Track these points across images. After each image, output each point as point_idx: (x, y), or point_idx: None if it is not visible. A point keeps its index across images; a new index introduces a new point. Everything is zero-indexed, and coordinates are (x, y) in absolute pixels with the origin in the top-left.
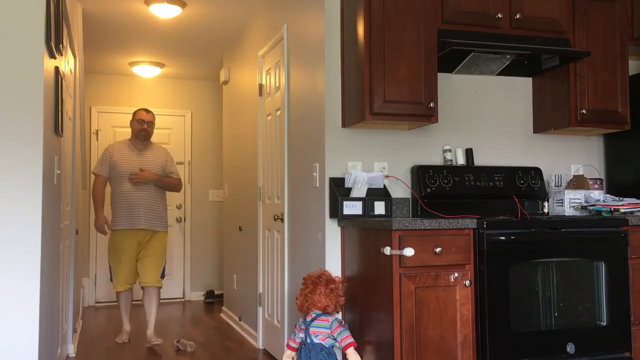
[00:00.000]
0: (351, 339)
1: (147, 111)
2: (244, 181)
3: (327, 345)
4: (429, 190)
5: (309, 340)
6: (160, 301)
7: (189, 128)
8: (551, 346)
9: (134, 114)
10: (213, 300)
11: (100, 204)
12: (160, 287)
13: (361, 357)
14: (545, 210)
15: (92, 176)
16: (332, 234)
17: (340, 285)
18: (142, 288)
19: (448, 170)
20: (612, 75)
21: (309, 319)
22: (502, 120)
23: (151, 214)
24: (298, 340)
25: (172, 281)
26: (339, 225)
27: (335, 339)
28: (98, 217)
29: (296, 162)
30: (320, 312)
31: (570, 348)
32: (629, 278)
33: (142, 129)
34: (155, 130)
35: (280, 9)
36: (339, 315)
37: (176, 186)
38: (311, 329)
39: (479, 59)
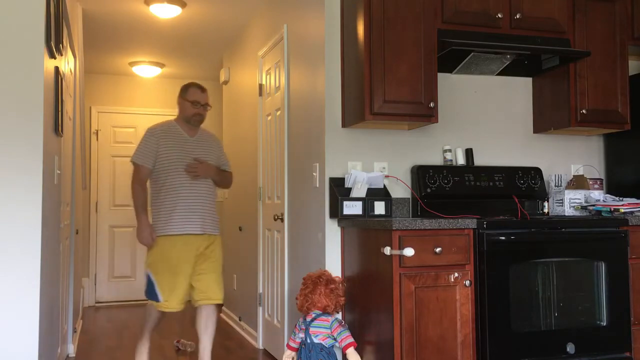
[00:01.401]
0: (351, 339)
1: (203, 89)
2: (244, 181)
3: (327, 345)
4: (429, 190)
5: (308, 341)
6: None
7: None
8: (551, 346)
9: (186, 91)
10: None
11: (143, 206)
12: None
13: (361, 357)
14: (545, 210)
15: (130, 167)
16: (332, 234)
17: (340, 285)
18: (197, 307)
19: (448, 170)
20: (612, 75)
21: (309, 319)
22: (502, 120)
23: (210, 215)
24: (298, 340)
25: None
26: (339, 225)
27: (335, 339)
28: (142, 223)
29: (296, 162)
30: (320, 312)
31: (570, 348)
32: (629, 278)
33: (197, 112)
34: None
35: (280, 9)
36: (339, 315)
37: (230, 182)
38: (311, 329)
39: (479, 59)
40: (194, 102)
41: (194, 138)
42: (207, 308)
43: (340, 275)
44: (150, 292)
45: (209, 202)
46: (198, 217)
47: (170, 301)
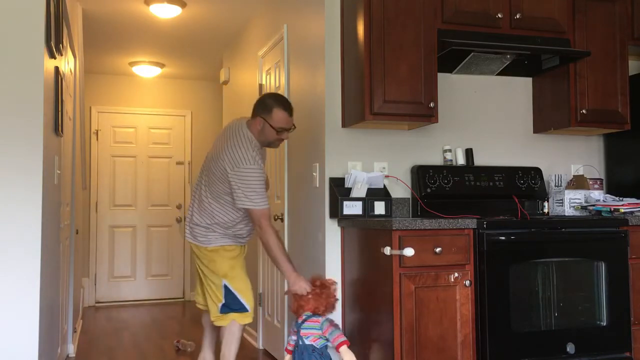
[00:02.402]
0: (343, 338)
1: (291, 111)
2: None
3: (318, 347)
4: (429, 190)
5: (300, 343)
6: (161, 301)
7: (189, 128)
8: (551, 346)
9: (270, 112)
10: None
11: (285, 251)
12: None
13: (361, 357)
14: (545, 210)
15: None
16: (332, 234)
17: (332, 286)
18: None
19: (448, 170)
20: (612, 75)
21: (299, 321)
22: (502, 120)
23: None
24: (292, 343)
25: (172, 281)
26: (339, 225)
27: (327, 340)
28: (292, 273)
29: (296, 162)
30: (311, 313)
31: (570, 348)
32: (629, 278)
33: (281, 139)
34: (155, 131)
35: (280, 9)
36: (331, 316)
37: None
38: (302, 331)
39: (479, 59)
40: (280, 129)
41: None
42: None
43: (340, 275)
44: (234, 303)
45: None
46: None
47: (252, 308)
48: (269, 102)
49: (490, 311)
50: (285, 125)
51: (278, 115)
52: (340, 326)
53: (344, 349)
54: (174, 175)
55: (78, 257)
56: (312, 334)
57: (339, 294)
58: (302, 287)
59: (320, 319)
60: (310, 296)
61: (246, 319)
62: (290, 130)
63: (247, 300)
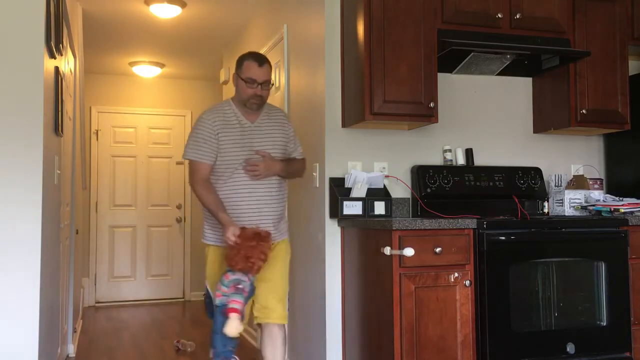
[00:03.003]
0: (236, 305)
1: (261, 61)
2: None
3: (218, 304)
4: (429, 190)
5: None
6: (161, 301)
7: (189, 128)
8: (551, 346)
9: (240, 65)
10: None
11: (220, 203)
12: (285, 325)
13: (361, 357)
14: (545, 210)
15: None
16: (332, 234)
17: (254, 243)
18: (259, 325)
19: (448, 170)
20: (612, 75)
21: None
22: (502, 120)
23: (275, 218)
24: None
25: (172, 281)
26: (339, 225)
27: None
28: (225, 222)
29: None
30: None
31: (570, 348)
32: (629, 278)
33: (254, 94)
34: (154, 131)
35: (280, 9)
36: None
37: (301, 171)
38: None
39: (479, 59)
40: (248, 80)
41: (254, 123)
42: (268, 327)
43: (340, 275)
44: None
45: (277, 203)
46: (262, 221)
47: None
48: (241, 57)
49: (490, 311)
50: (253, 76)
51: (246, 66)
52: (340, 327)
53: (233, 316)
54: (174, 175)
55: (78, 257)
56: (219, 289)
57: (337, 295)
58: (227, 235)
59: (232, 275)
60: (233, 247)
61: None
62: (265, 87)
63: None
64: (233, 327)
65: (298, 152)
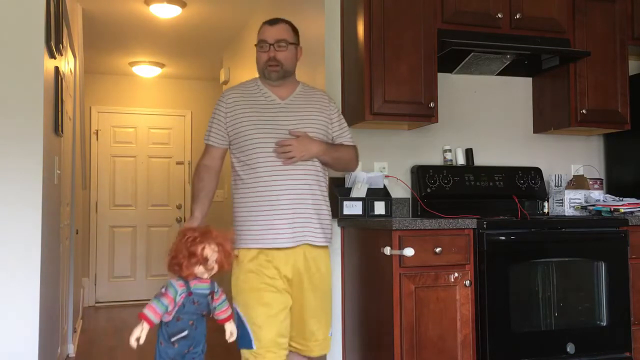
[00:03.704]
0: (144, 311)
1: (273, 21)
2: None
3: None
4: (429, 190)
5: None
6: None
7: (189, 128)
8: (551, 346)
9: (258, 31)
10: None
11: (202, 193)
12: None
13: (361, 357)
14: (545, 210)
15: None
16: (332, 234)
17: (184, 239)
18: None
19: (448, 170)
20: (612, 75)
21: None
22: (502, 120)
23: (311, 216)
24: None
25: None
26: (339, 225)
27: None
28: (191, 215)
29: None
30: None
31: (570, 348)
32: (629, 278)
33: (268, 58)
34: (155, 131)
35: (280, 9)
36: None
37: (353, 160)
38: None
39: (479, 59)
40: (259, 43)
41: (286, 101)
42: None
43: (340, 275)
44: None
45: (313, 197)
46: (290, 220)
47: (257, 349)
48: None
49: (490, 311)
50: (263, 37)
51: (259, 31)
52: (339, 329)
53: (141, 322)
54: (174, 175)
55: (78, 257)
56: None
57: (337, 295)
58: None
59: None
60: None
61: None
62: (280, 47)
63: None
64: (133, 336)
65: (346, 138)
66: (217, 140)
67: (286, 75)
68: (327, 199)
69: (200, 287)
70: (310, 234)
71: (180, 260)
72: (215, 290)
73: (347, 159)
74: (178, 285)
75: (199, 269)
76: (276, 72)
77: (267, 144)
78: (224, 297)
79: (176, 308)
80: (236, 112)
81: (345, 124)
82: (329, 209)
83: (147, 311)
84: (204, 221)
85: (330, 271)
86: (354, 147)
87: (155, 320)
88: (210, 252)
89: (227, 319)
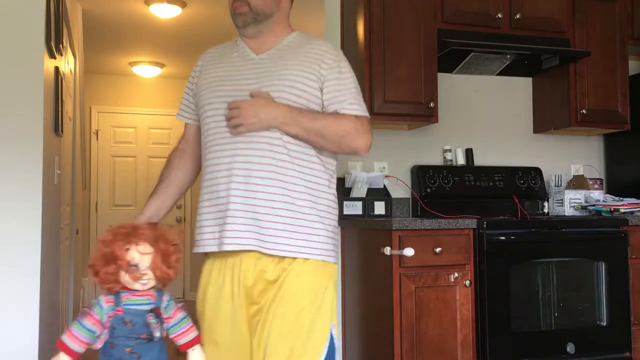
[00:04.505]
0: (64, 335)
1: None
2: None
3: None
4: (429, 190)
5: None
6: None
7: None
8: (551, 346)
9: None
10: None
11: (160, 183)
12: None
13: (361, 357)
14: (546, 210)
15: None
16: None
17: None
18: None
19: (448, 170)
20: (612, 75)
21: None
22: (502, 120)
23: (274, 210)
24: None
25: (171, 281)
26: (339, 225)
27: None
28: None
29: None
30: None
31: (570, 348)
32: (629, 278)
33: (234, 6)
34: (154, 131)
35: None
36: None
37: (349, 134)
38: None
39: (479, 59)
40: None
41: (262, 55)
42: None
43: (340, 275)
44: None
45: (277, 187)
46: (241, 213)
47: None
48: None
49: (490, 311)
50: None
51: None
52: (339, 332)
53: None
54: None
55: (78, 257)
56: None
57: (337, 296)
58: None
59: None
60: None
61: None
62: None
63: None
64: None
65: (345, 105)
66: (186, 114)
67: (259, 20)
68: (320, 196)
69: (134, 301)
70: (286, 239)
71: (96, 268)
72: (164, 305)
73: (338, 133)
74: (104, 302)
75: (125, 278)
76: (243, 15)
77: (220, 110)
78: (181, 314)
79: (104, 331)
80: (202, 76)
81: (352, 87)
82: (323, 210)
83: (65, 337)
84: (164, 221)
85: (319, 298)
86: (356, 118)
87: (78, 348)
88: (138, 254)
89: (189, 344)
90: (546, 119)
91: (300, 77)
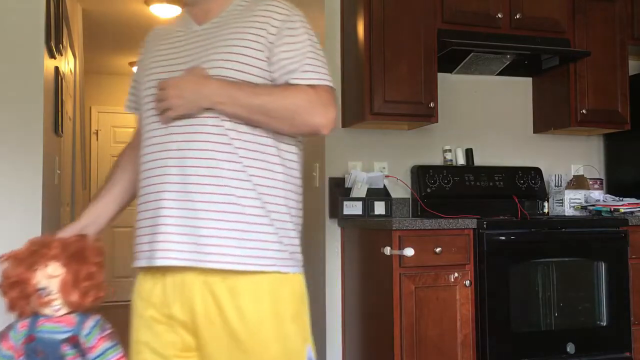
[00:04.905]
0: None
1: None
2: None
3: None
4: (429, 190)
5: None
6: None
7: None
8: (551, 346)
9: None
10: None
11: (103, 187)
12: None
13: (361, 357)
14: (545, 210)
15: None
16: (332, 234)
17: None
18: None
19: (448, 170)
20: (612, 75)
21: None
22: (502, 120)
23: (215, 214)
24: None
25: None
26: (339, 225)
27: None
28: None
29: None
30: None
31: (570, 348)
32: (629, 278)
33: None
34: None
35: None
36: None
37: (300, 109)
38: None
39: (479, 59)
40: None
41: (204, 25)
42: None
43: (340, 275)
44: None
45: (218, 185)
46: (173, 220)
47: None
48: None
49: (490, 311)
50: None
51: None
52: (338, 331)
53: None
54: None
55: None
56: None
57: (337, 296)
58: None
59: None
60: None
61: None
62: None
63: None
64: None
65: (299, 74)
66: (133, 104)
67: None
68: (274, 194)
69: (48, 328)
70: (230, 248)
71: (3, 289)
72: (85, 332)
73: (289, 108)
74: (20, 326)
75: (34, 303)
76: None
77: (153, 95)
78: (106, 343)
79: (20, 359)
80: (144, 58)
81: (307, 50)
82: (276, 211)
83: None
84: (103, 231)
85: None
86: (310, 89)
87: None
88: (45, 277)
89: None
90: (546, 119)
91: (241, 47)
